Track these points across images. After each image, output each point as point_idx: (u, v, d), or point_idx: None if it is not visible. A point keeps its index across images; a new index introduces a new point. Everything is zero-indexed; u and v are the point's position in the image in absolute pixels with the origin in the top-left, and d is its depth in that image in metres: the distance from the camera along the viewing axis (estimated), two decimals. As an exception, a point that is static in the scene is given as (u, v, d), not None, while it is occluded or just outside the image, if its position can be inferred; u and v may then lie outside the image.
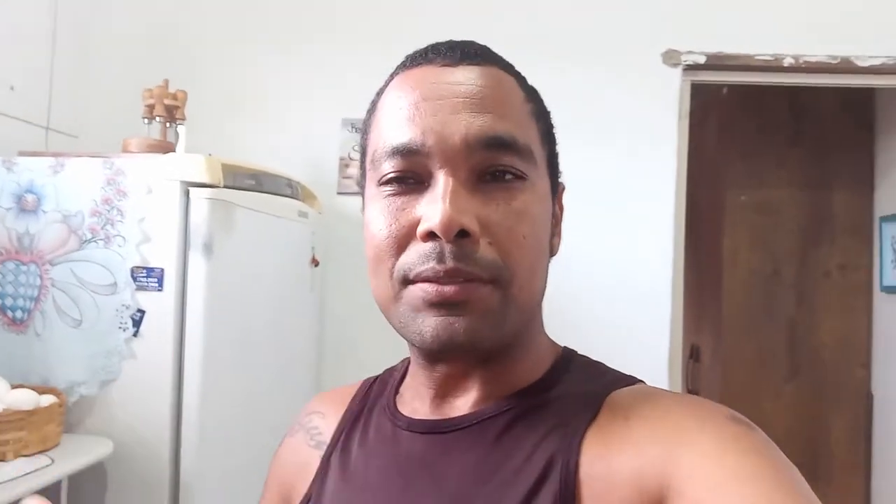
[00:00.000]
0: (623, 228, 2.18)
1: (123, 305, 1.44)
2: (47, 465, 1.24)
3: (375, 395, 0.65)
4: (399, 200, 0.53)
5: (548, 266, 0.58)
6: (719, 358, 2.96)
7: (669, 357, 2.18)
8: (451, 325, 0.50)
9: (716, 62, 2.22)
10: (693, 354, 2.99)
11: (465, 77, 0.53)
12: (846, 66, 2.19)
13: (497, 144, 0.51)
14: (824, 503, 0.45)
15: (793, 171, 3.03)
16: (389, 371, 0.68)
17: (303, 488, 0.63)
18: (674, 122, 2.21)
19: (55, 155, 1.53)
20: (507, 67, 0.57)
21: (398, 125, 0.53)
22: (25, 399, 1.28)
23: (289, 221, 1.82)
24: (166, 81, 1.85)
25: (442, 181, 0.50)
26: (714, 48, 2.21)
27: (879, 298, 2.87)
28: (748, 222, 3.04)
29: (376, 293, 0.55)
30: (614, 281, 2.17)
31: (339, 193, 2.23)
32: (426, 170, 0.52)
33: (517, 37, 2.20)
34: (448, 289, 0.49)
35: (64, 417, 1.38)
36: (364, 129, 0.59)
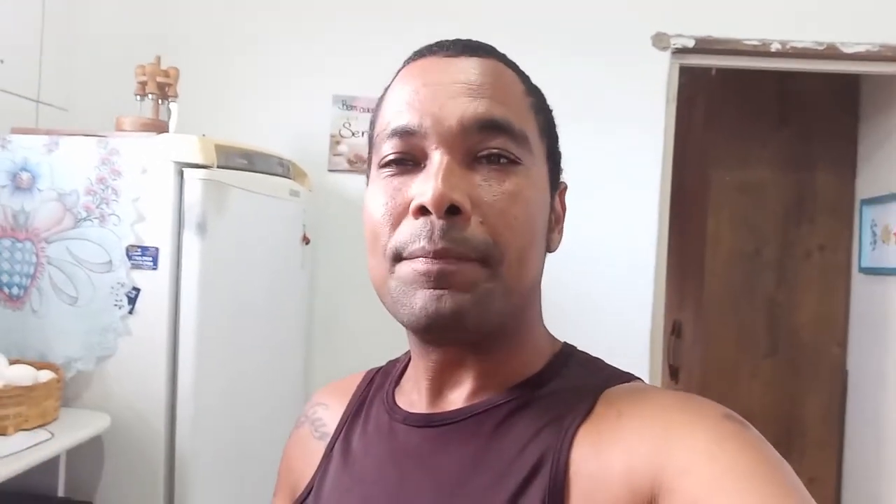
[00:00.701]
0: (609, 209, 2.22)
1: (119, 283, 1.47)
2: (47, 440, 1.28)
3: (377, 387, 0.66)
4: (396, 181, 0.54)
5: (543, 256, 0.58)
6: (700, 334, 3.02)
7: (651, 333, 2.24)
8: (438, 300, 0.50)
9: (704, 46, 2.25)
10: (675, 330, 3.06)
11: (466, 66, 0.55)
12: (832, 53, 2.23)
13: (492, 127, 0.53)
14: (799, 475, 0.46)
15: (777, 153, 3.08)
16: (393, 363, 0.69)
17: (307, 478, 0.64)
18: (661, 105, 2.25)
19: (49, 133, 1.54)
20: (510, 63, 0.59)
21: (399, 109, 0.54)
22: (24, 375, 1.31)
23: (280, 200, 1.85)
24: (158, 58, 1.85)
25: (437, 160, 0.52)
26: (703, 32, 2.24)
27: (857, 279, 2.94)
28: (732, 202, 3.09)
29: (372, 273, 0.56)
30: (600, 260, 2.21)
31: (329, 171, 2.25)
32: (422, 151, 0.53)
33: (505, 20, 2.22)
34: (436, 266, 0.50)
35: (62, 392, 1.41)
36: (372, 119, 0.61)
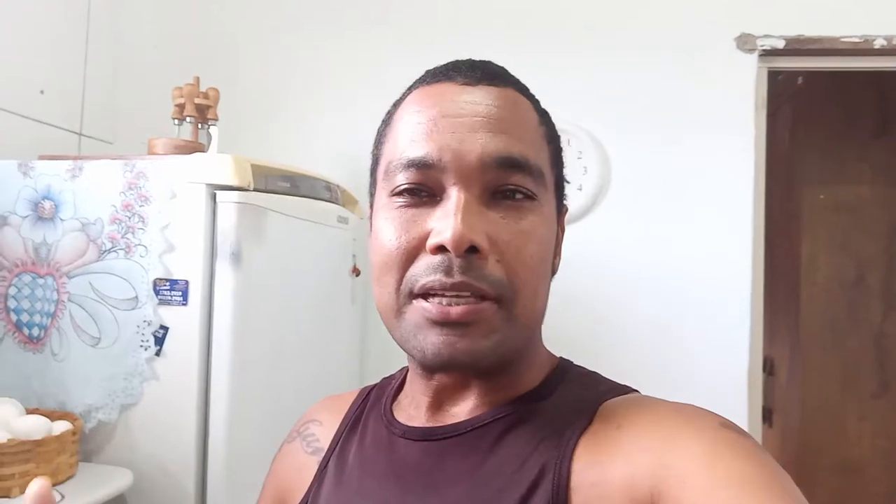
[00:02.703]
0: (696, 230, 1.98)
1: (145, 321, 1.31)
2: (59, 502, 1.11)
3: (373, 403, 0.66)
4: (410, 212, 0.54)
5: (549, 286, 0.58)
6: (797, 372, 2.72)
7: (749, 372, 1.96)
8: (452, 345, 0.51)
9: (796, 46, 2.00)
10: (766, 368, 2.75)
11: (484, 97, 0.54)
12: (947, 47, 1.95)
13: (511, 164, 0.53)
14: (796, 486, 0.45)
15: (877, 166, 2.77)
16: (388, 379, 0.70)
17: (299, 494, 0.64)
18: (750, 114, 2.00)
19: (74, 158, 1.41)
20: (524, 90, 0.59)
21: (416, 139, 0.54)
22: (35, 427, 1.15)
23: (327, 227, 1.68)
24: (197, 79, 1.73)
25: (455, 196, 0.51)
26: (794, 31, 2.00)
27: (980, 306, 2.59)
28: (827, 223, 2.79)
29: (379, 301, 0.56)
30: (687, 288, 1.96)
31: (382, 197, 2.09)
32: (439, 184, 0.53)
33: (577, 25, 2.04)
34: (454, 310, 0.50)
35: (79, 446, 1.25)
36: (378, 138, 0.60)
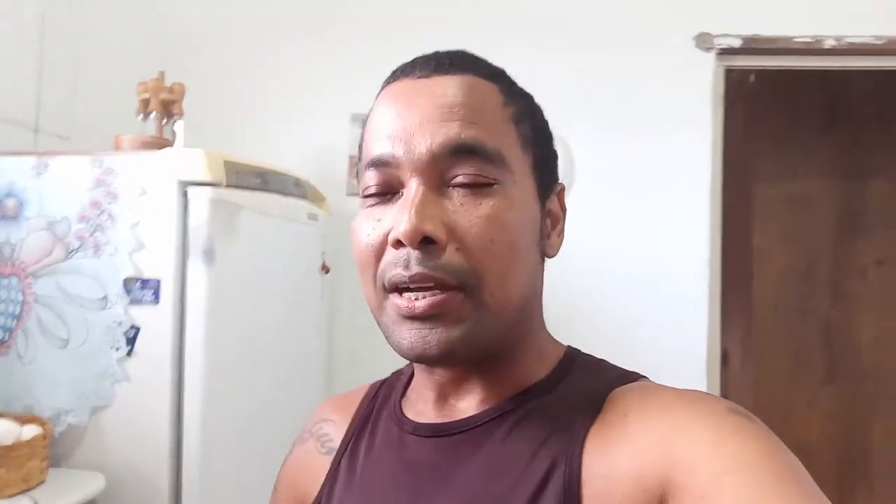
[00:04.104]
0: (654, 224, 2.03)
1: (115, 322, 1.28)
2: (30, 508, 1.09)
3: (382, 400, 0.66)
4: (377, 211, 0.55)
5: (535, 270, 0.58)
6: (749, 361, 2.80)
7: (707, 362, 2.04)
8: (424, 338, 0.52)
9: (752, 45, 2.07)
10: (722, 358, 2.84)
11: (437, 87, 0.55)
12: (892, 48, 2.04)
13: (463, 151, 0.53)
14: (806, 470, 0.45)
15: (826, 161, 2.88)
16: (396, 374, 0.69)
17: (313, 494, 0.64)
18: (707, 110, 2.07)
19: (38, 154, 1.37)
20: (488, 75, 0.57)
21: (376, 138, 0.55)
22: (4, 432, 1.12)
23: (297, 224, 1.67)
24: (162, 74, 1.70)
25: (412, 190, 0.52)
26: (750, 31, 2.06)
27: (921, 295, 2.72)
28: (779, 216, 2.89)
29: (368, 302, 0.58)
30: (645, 281, 2.02)
31: (349, 195, 2.08)
32: (399, 180, 0.54)
33: (539, 22, 2.06)
34: (419, 304, 0.51)
35: (49, 451, 1.22)
36: (359, 145, 0.60)
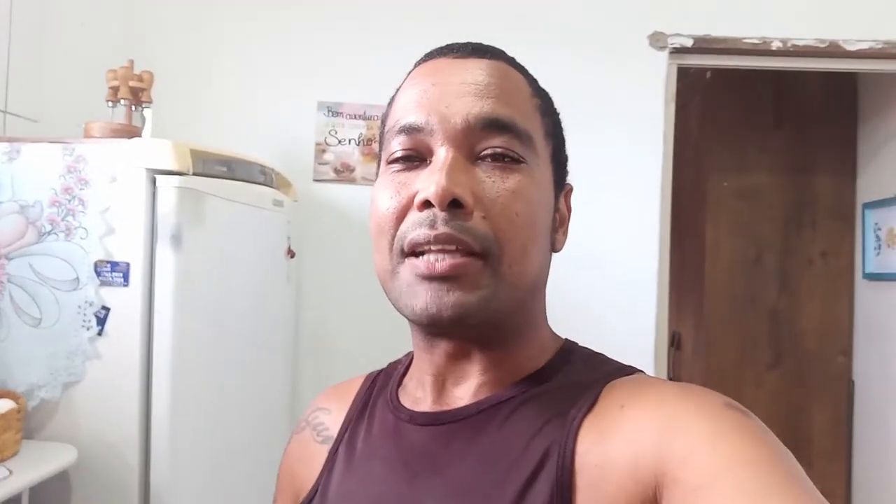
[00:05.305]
0: (608, 215, 2.13)
1: (87, 302, 1.35)
2: (5, 477, 1.15)
3: (379, 389, 0.66)
4: (402, 176, 0.55)
5: (547, 257, 0.59)
6: (701, 346, 2.93)
7: (655, 345, 2.14)
8: (440, 299, 0.51)
9: (703, 45, 2.17)
10: (674, 342, 2.96)
11: (474, 67, 0.57)
12: (834, 51, 2.16)
13: (497, 126, 0.54)
14: (800, 465, 0.45)
15: (775, 156, 3.00)
16: (394, 364, 0.69)
17: (310, 483, 0.64)
18: (660, 107, 2.16)
19: (10, 140, 1.42)
20: (518, 66, 0.60)
21: (408, 108, 0.56)
22: (-21, 406, 1.18)
23: (263, 210, 1.73)
24: (131, 62, 1.74)
25: (442, 156, 0.53)
26: (701, 31, 2.16)
27: (861, 286, 2.86)
28: (730, 208, 3.01)
29: (378, 268, 0.57)
30: (599, 269, 2.12)
31: (315, 181, 2.14)
32: (428, 148, 0.55)
33: (497, 18, 2.13)
34: (440, 264, 0.51)
35: (23, 424, 1.28)
36: (382, 118, 0.62)
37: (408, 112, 0.56)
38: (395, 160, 0.56)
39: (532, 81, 0.61)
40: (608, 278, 2.12)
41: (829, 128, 2.93)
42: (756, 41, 2.16)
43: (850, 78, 2.83)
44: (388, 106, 0.61)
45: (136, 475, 1.34)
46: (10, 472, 1.17)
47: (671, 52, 2.17)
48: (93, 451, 1.33)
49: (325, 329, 2.12)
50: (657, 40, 2.16)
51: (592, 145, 2.11)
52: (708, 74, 2.81)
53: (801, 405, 2.95)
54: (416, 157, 0.55)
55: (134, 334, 1.35)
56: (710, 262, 2.94)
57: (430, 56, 0.60)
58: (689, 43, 2.16)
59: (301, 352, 2.08)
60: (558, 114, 0.63)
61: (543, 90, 0.62)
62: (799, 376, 2.96)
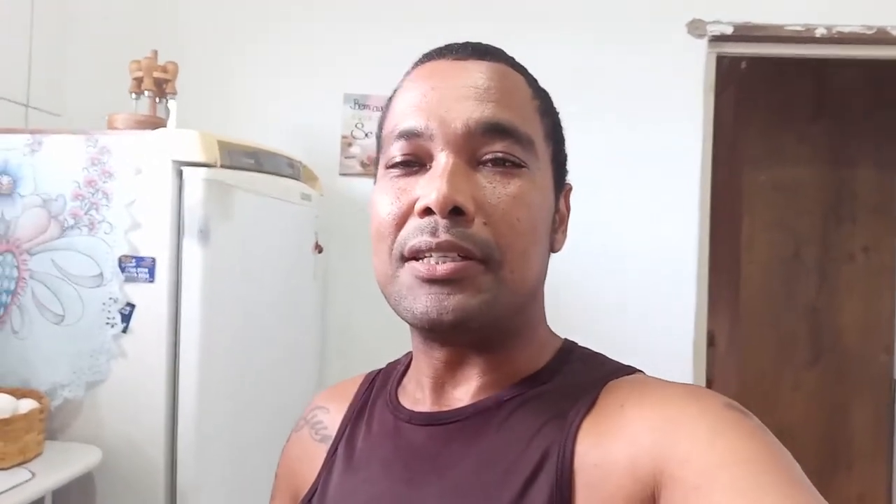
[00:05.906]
0: (645, 209, 2.05)
1: (111, 299, 1.30)
2: (27, 480, 1.11)
3: (378, 389, 0.66)
4: (402, 181, 0.55)
5: (546, 259, 0.59)
6: (736, 344, 2.84)
7: (694, 344, 2.07)
8: (440, 302, 0.51)
9: (744, 33, 2.08)
10: (708, 340, 2.88)
11: (474, 69, 0.56)
12: (882, 37, 2.06)
13: (497, 131, 0.53)
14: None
15: (814, 148, 2.90)
16: (393, 364, 0.69)
17: (309, 482, 0.64)
18: (699, 97, 2.08)
19: (32, 132, 1.38)
20: (518, 67, 0.60)
21: (407, 112, 0.55)
22: (1, 406, 1.14)
23: (291, 205, 1.68)
24: (155, 52, 1.70)
25: (443, 161, 0.53)
26: (742, 18, 2.07)
27: (904, 282, 2.76)
28: (767, 202, 2.92)
29: (377, 273, 0.57)
30: (636, 265, 2.04)
31: (341, 175, 2.09)
32: (428, 153, 0.54)
33: (528, 11, 2.06)
34: (441, 268, 0.51)
35: (46, 424, 1.24)
36: (380, 120, 0.61)
37: (407, 116, 0.55)
38: (395, 165, 0.56)
39: (532, 82, 0.60)
40: (644, 278, 2.05)
41: (870, 119, 2.83)
42: (799, 28, 2.07)
43: (893, 66, 2.72)
44: (385, 108, 0.60)
45: (162, 476, 1.30)
46: (33, 474, 1.13)
47: (710, 41, 2.09)
48: (117, 451, 1.29)
49: (352, 327, 2.07)
50: (696, 28, 2.08)
51: (628, 138, 2.04)
52: (743, 64, 2.72)
53: (842, 405, 2.85)
54: (415, 163, 0.55)
55: (160, 332, 1.31)
56: (745, 257, 2.85)
57: (428, 57, 0.59)
58: (728, 30, 2.07)
59: (328, 348, 2.04)
60: (558, 113, 0.62)
61: (543, 90, 0.61)
62: (839, 375, 2.87)
